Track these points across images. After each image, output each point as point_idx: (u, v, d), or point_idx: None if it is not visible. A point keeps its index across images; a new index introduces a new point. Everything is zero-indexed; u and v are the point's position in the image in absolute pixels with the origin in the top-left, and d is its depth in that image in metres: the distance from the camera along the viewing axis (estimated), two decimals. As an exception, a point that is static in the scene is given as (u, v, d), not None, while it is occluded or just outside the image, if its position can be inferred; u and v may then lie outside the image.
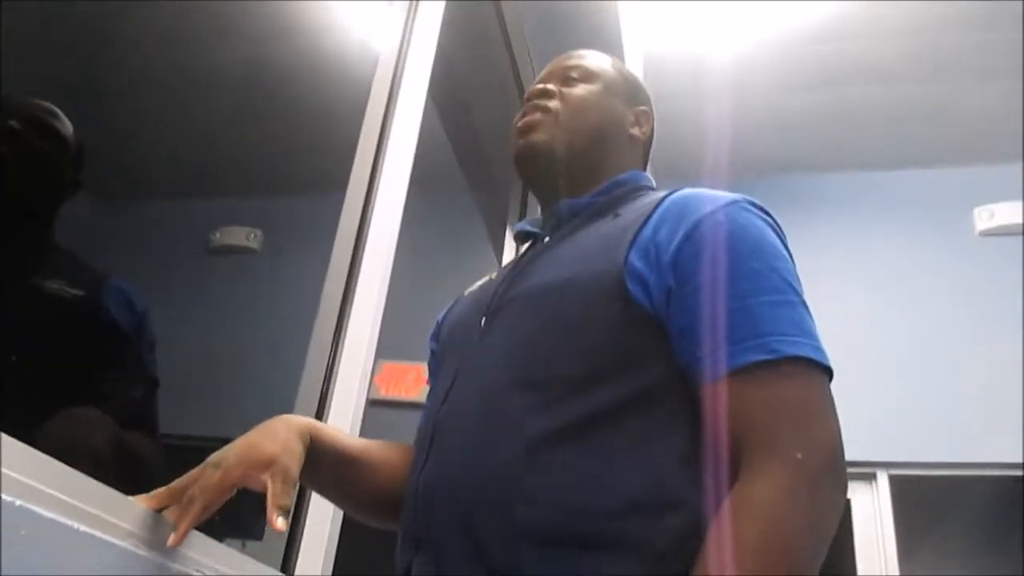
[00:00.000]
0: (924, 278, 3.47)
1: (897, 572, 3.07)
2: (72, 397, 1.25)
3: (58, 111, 1.39)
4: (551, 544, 0.80)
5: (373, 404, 1.68)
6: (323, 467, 0.97)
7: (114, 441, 1.26)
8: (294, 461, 0.88)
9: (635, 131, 1.16)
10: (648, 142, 1.19)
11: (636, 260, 0.90)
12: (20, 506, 0.63)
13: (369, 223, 1.72)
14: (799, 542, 0.75)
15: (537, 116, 1.11)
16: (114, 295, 1.43)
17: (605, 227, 0.99)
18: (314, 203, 2.08)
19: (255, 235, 3.38)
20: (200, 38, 2.43)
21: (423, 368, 1.18)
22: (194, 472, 0.87)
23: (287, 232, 3.35)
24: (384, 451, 1.06)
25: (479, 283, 1.15)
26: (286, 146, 3.07)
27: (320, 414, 1.55)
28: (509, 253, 2.91)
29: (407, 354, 3.21)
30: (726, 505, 0.77)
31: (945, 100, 3.40)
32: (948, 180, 3.66)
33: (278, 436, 0.90)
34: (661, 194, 1.00)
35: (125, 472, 1.19)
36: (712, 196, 0.95)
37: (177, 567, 0.83)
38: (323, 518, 1.47)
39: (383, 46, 1.96)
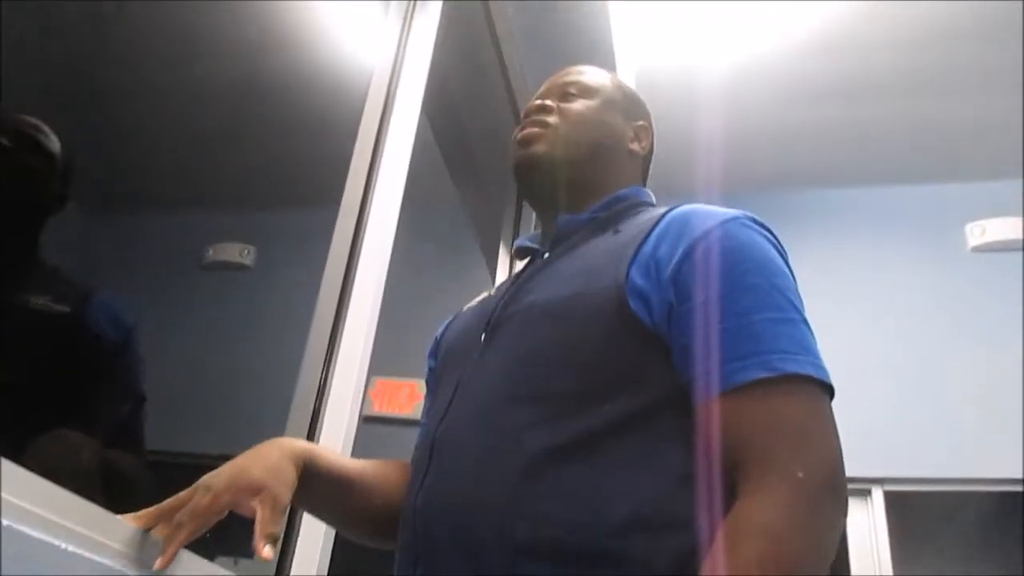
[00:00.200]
0: (917, 293, 3.48)
1: (893, 589, 3.06)
2: (59, 414, 1.23)
3: (44, 126, 1.38)
4: (551, 560, 0.80)
5: (367, 420, 1.67)
6: (318, 491, 0.95)
7: (99, 461, 1.24)
8: (285, 487, 0.87)
9: (634, 146, 1.16)
10: (648, 157, 1.19)
11: (637, 276, 0.89)
12: (7, 526, 0.62)
13: (363, 238, 1.72)
14: (799, 561, 0.74)
15: (536, 130, 1.10)
16: (100, 311, 1.42)
17: (605, 243, 0.99)
18: (307, 218, 2.08)
19: (248, 251, 3.37)
20: (194, 53, 2.43)
21: (417, 384, 1.17)
22: (184, 494, 0.85)
23: (280, 247, 3.35)
24: (380, 470, 1.05)
25: (478, 299, 1.14)
26: (280, 160, 3.07)
27: (313, 430, 1.53)
28: (503, 269, 2.91)
29: (401, 370, 3.20)
30: (726, 523, 0.77)
31: (938, 116, 3.41)
32: (940, 196, 3.68)
33: (270, 461, 0.88)
34: (661, 210, 1.00)
35: (110, 491, 1.17)
36: (713, 212, 0.94)
37: (166, 587, 0.82)
38: (316, 537, 1.45)
39: (377, 60, 1.96)
